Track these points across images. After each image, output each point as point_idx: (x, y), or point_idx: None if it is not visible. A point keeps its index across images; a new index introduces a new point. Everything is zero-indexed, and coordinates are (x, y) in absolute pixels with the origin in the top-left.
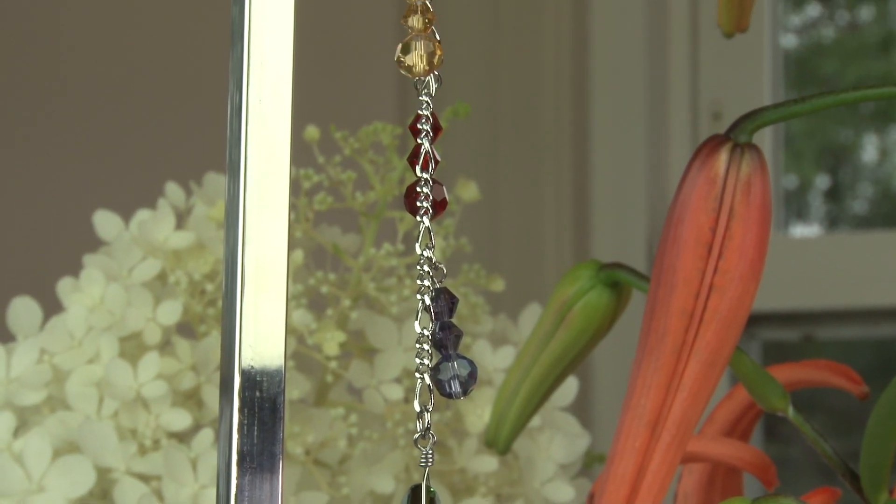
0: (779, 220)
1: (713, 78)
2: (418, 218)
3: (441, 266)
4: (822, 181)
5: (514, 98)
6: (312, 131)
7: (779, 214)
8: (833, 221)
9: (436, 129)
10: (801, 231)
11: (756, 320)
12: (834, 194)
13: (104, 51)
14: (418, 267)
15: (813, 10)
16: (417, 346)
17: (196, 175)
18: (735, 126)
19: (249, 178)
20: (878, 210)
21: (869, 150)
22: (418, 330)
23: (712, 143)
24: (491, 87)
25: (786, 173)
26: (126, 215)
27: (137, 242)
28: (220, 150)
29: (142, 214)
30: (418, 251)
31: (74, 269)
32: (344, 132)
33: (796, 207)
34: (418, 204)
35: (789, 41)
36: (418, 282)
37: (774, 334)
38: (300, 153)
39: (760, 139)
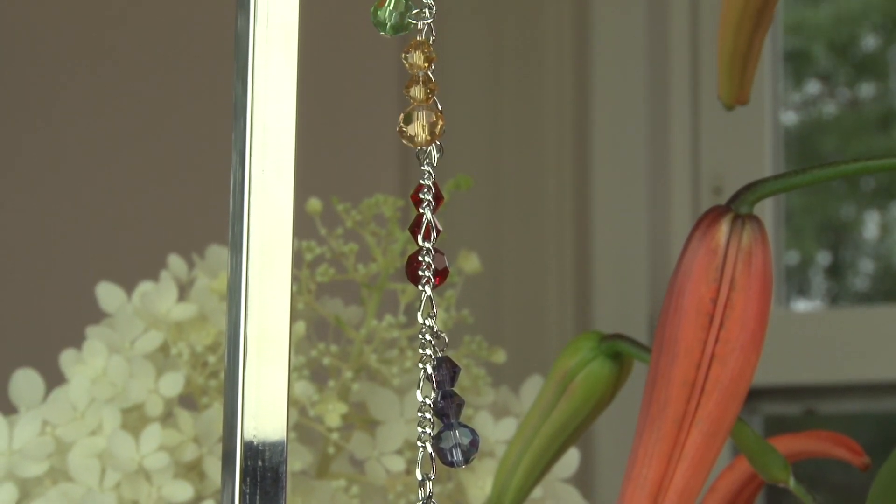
0: (780, 297)
1: (714, 152)
2: (420, 287)
3: (443, 335)
4: (823, 257)
5: (517, 169)
6: (315, 203)
7: (780, 290)
8: (834, 298)
9: (437, 198)
10: (802, 306)
11: (758, 394)
12: (835, 271)
13: (107, 122)
14: (420, 336)
15: (813, 88)
16: (419, 414)
17: (198, 247)
18: (736, 197)
19: (252, 250)
20: (880, 287)
21: (870, 227)
22: (420, 399)
23: (713, 214)
24: (493, 158)
25: (787, 249)
26: (129, 287)
27: (140, 314)
28: (223, 223)
29: (144, 286)
30: (420, 320)
31: (77, 341)
32: (346, 204)
33: (798, 284)
34: (420, 273)
35: (790, 118)
36: (420, 351)
37: (776, 408)
38: (302, 225)
39: (761, 214)
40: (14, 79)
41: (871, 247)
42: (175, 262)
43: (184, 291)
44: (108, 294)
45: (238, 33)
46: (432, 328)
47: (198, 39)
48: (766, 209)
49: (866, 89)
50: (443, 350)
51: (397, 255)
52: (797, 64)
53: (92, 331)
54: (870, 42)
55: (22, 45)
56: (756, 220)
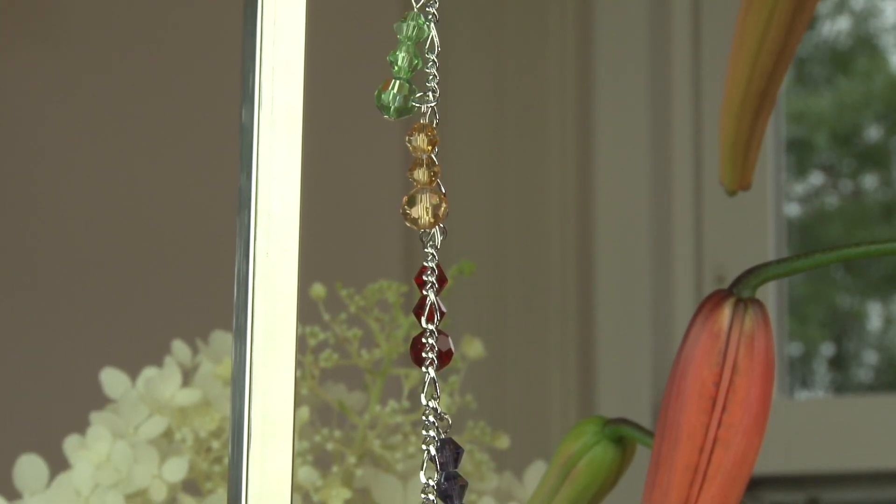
0: (784, 387)
1: (717, 242)
2: (424, 369)
3: (446, 416)
4: (827, 349)
5: (520, 254)
6: (318, 289)
7: (783, 381)
8: (838, 389)
9: (441, 280)
10: (806, 397)
11: (761, 483)
12: (839, 362)
13: (110, 207)
14: (423, 417)
15: (816, 179)
16: (423, 496)
17: (202, 333)
18: (738, 281)
19: (256, 335)
20: (884, 378)
21: (874, 318)
22: (424, 480)
23: (716, 298)
24: (496, 242)
25: (790, 341)
26: (133, 373)
27: (144, 400)
28: (227, 308)
29: (148, 372)
30: (424, 402)
31: (81, 427)
32: (350, 290)
33: (801, 375)
34: (424, 355)
35: (793, 209)
36: (423, 432)
37: (779, 497)
38: (306, 311)
39: (764, 302)
40: (19, 160)
41: (874, 338)
42: (179, 347)
43: (188, 377)
44: (112, 379)
45: (243, 125)
46: (436, 409)
47: (200, 127)
48: (770, 298)
49: (869, 180)
50: (446, 432)
51: (401, 340)
52: (800, 153)
53: (96, 416)
54: (872, 132)
55: (20, 126)
56: (758, 304)
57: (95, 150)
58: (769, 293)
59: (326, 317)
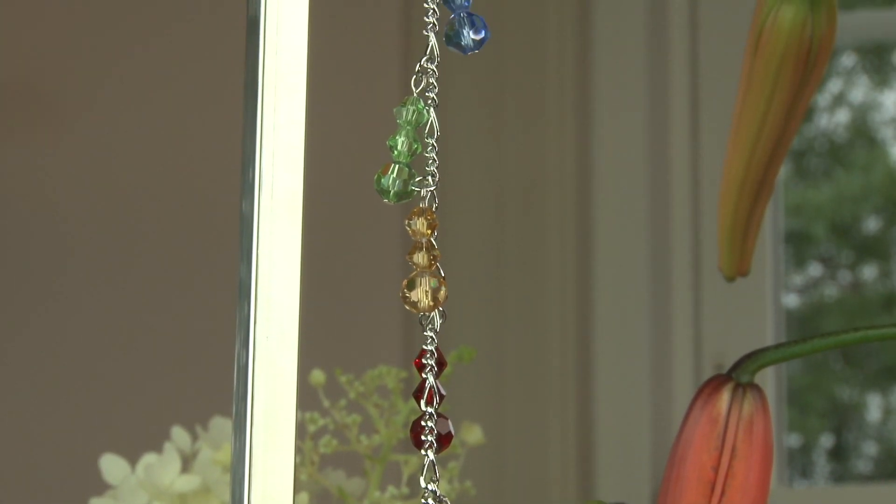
0: (783, 478)
1: (716, 330)
2: (423, 452)
3: (445, 499)
4: (826, 440)
5: (520, 340)
6: (318, 375)
7: (783, 472)
8: (838, 480)
9: (440, 364)
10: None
11: None
12: (838, 453)
13: (113, 295)
14: (422, 501)
15: (815, 270)
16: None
17: (202, 419)
18: (737, 366)
19: (255, 421)
20: (883, 469)
21: (873, 410)
22: None
23: (714, 383)
24: (495, 327)
25: (790, 431)
26: (132, 459)
27: (144, 486)
28: (226, 394)
29: (148, 458)
30: (423, 485)
31: None
32: (349, 376)
33: (801, 465)
34: (423, 438)
35: (791, 300)
36: None
37: None
38: (306, 396)
39: (763, 390)
40: (21, 256)
41: (874, 429)
42: (178, 433)
43: (187, 463)
44: (111, 465)
45: (243, 215)
46: (435, 493)
47: (200, 222)
48: (769, 388)
49: (868, 271)
50: None
51: (400, 426)
52: (798, 245)
53: (96, 502)
54: (871, 224)
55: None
56: (757, 388)
57: (101, 237)
58: (768, 383)
59: (326, 403)
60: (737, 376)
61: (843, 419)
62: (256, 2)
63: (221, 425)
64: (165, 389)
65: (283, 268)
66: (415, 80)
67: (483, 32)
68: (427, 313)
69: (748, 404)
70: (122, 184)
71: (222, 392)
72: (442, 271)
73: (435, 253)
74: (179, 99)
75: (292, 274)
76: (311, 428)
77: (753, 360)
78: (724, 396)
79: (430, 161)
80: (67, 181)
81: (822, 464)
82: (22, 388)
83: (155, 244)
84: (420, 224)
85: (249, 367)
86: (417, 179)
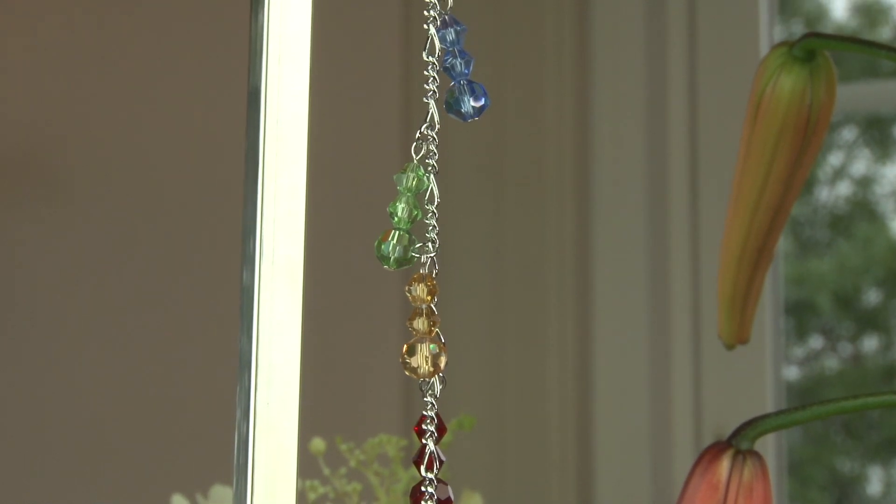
0: None
1: (716, 400)
2: None
3: None
4: None
5: (520, 408)
6: (318, 443)
7: None
8: None
9: (440, 430)
10: None
11: None
12: None
13: (111, 363)
14: None
15: (816, 342)
16: None
17: (202, 487)
18: (737, 433)
19: (256, 491)
20: None
21: (874, 483)
22: None
23: (714, 450)
24: (496, 395)
25: (791, 503)
26: None
27: None
28: (226, 461)
29: None
30: None
31: None
32: (350, 444)
33: None
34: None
35: (792, 372)
36: None
37: None
38: (306, 465)
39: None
40: (22, 324)
41: (875, 503)
42: (179, 502)
43: None
44: None
45: (244, 286)
46: None
47: (200, 283)
48: (770, 459)
49: (868, 343)
50: None
51: (400, 494)
52: (800, 316)
53: None
54: (872, 296)
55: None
56: (757, 455)
57: (102, 307)
58: (769, 453)
59: (326, 471)
60: (737, 443)
61: (844, 492)
62: (258, 72)
63: (222, 494)
64: (166, 457)
65: (283, 336)
66: (415, 146)
67: (483, 100)
68: (427, 379)
69: (748, 471)
70: (123, 252)
71: (223, 460)
72: (442, 337)
73: (435, 319)
74: (180, 168)
75: (293, 342)
76: (312, 496)
77: (754, 426)
78: (725, 463)
79: (431, 227)
80: (69, 250)
81: None
82: (24, 456)
83: (157, 314)
84: (420, 290)
85: (250, 437)
86: (417, 246)
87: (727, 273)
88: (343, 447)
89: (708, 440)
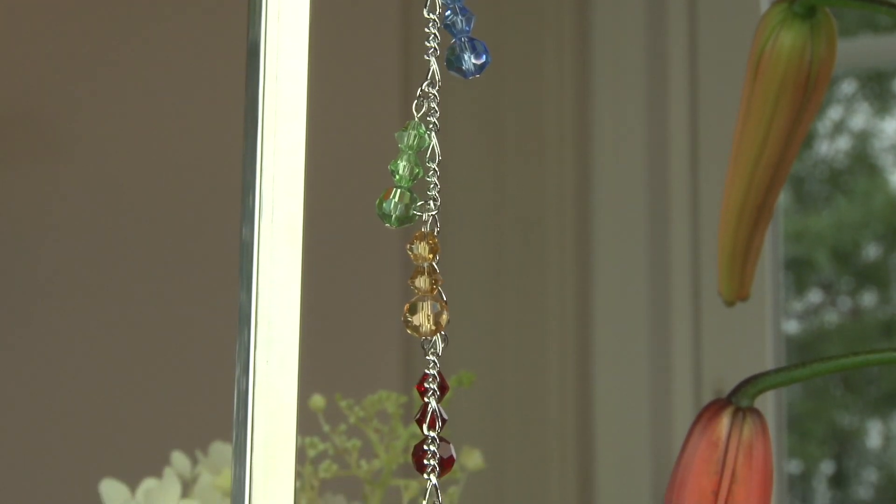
0: None
1: (715, 356)
2: (425, 476)
3: None
4: (827, 466)
5: (519, 365)
6: (318, 400)
7: (783, 499)
8: None
9: (442, 388)
10: None
11: None
12: (839, 480)
13: (110, 319)
14: None
15: (815, 297)
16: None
17: (202, 444)
18: (736, 390)
19: (255, 446)
20: (884, 496)
21: (873, 436)
22: None
23: (714, 407)
24: (495, 352)
25: (790, 458)
26: (132, 484)
27: None
28: (226, 419)
29: (148, 483)
30: None
31: None
32: (349, 401)
33: (801, 492)
34: (425, 462)
35: (792, 326)
36: None
37: None
38: (306, 422)
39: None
40: (23, 280)
41: (874, 456)
42: (178, 458)
43: (187, 488)
44: (111, 491)
45: (243, 241)
46: None
47: (200, 241)
48: (769, 415)
49: (868, 298)
50: None
51: (400, 451)
52: (799, 272)
53: None
54: (871, 251)
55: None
56: (757, 413)
57: (99, 263)
58: (768, 408)
59: (326, 427)
60: (736, 401)
61: (844, 446)
62: (257, 27)
63: (221, 450)
64: (166, 414)
65: (283, 293)
66: (416, 104)
67: (484, 57)
68: (429, 337)
69: (748, 428)
70: (123, 210)
71: (222, 417)
72: (444, 295)
73: (437, 277)
74: (179, 124)
75: (293, 299)
76: (311, 453)
77: (753, 384)
78: (724, 421)
79: (432, 185)
80: (68, 210)
81: (822, 490)
82: (22, 413)
83: (156, 270)
84: (422, 248)
85: (249, 393)
86: (419, 204)
87: (727, 230)
88: (343, 404)
89: (708, 397)
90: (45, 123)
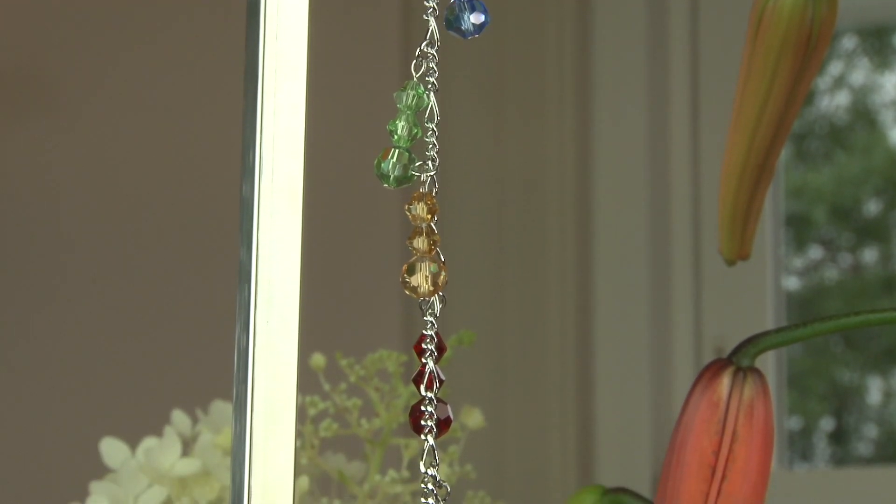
0: (783, 461)
1: (716, 313)
2: (423, 437)
3: (445, 484)
4: (826, 423)
5: (520, 324)
6: (318, 359)
7: (783, 455)
8: (838, 463)
9: (440, 349)
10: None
11: None
12: (839, 436)
13: (112, 279)
14: (422, 485)
15: (815, 253)
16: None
17: (202, 403)
18: (737, 350)
19: (256, 405)
20: (883, 452)
21: (873, 392)
22: None
23: (715, 368)
24: (495, 311)
25: (790, 414)
26: (132, 442)
27: (144, 469)
28: (227, 378)
29: (148, 442)
30: (423, 470)
31: (81, 496)
32: (350, 359)
33: (801, 448)
34: (423, 423)
35: (792, 283)
36: (422, 500)
37: None
38: (306, 380)
39: (763, 374)
40: (22, 243)
41: (874, 412)
42: (179, 417)
43: (188, 447)
44: (111, 449)
45: (243, 198)
46: (435, 478)
47: (201, 198)
48: (770, 371)
49: (868, 254)
50: (445, 500)
51: (400, 410)
52: (799, 228)
53: (96, 486)
54: (872, 206)
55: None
56: (757, 372)
57: (101, 220)
58: (768, 366)
59: (326, 386)
60: (737, 360)
61: (844, 402)
62: None
63: (222, 409)
64: (166, 373)
65: (283, 252)
66: (415, 64)
67: (483, 16)
68: (427, 298)
69: (749, 388)
70: (123, 168)
71: (223, 376)
72: (442, 256)
73: (435, 238)
74: (180, 83)
75: (292, 258)
76: (312, 412)
77: (754, 344)
78: (725, 381)
79: (430, 146)
80: (68, 166)
81: (822, 447)
82: (23, 373)
83: (156, 228)
84: (420, 209)
85: (250, 351)
86: (417, 164)
87: (728, 190)
88: (343, 363)
89: (709, 355)
90: (41, 79)
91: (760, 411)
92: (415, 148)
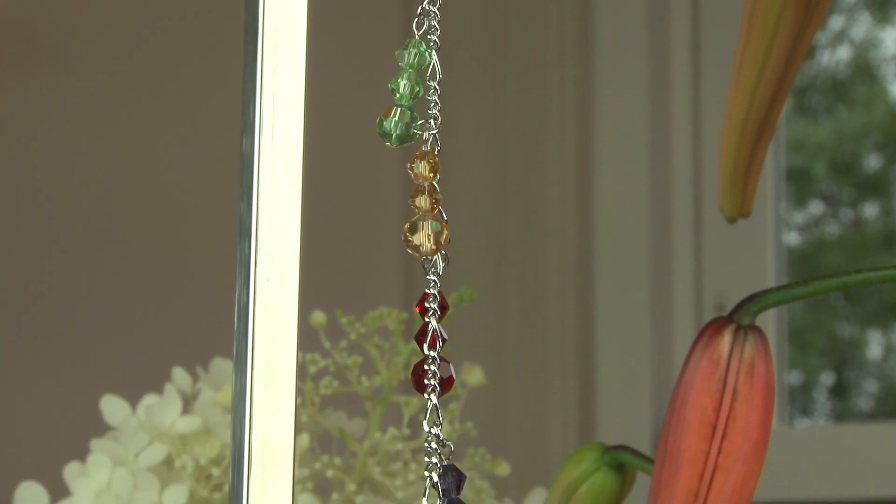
0: (783, 416)
1: (717, 270)
2: (426, 396)
3: (448, 443)
4: (827, 378)
5: (520, 282)
6: (319, 316)
7: (783, 411)
8: (838, 418)
9: (443, 308)
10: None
11: None
12: (839, 391)
13: (112, 236)
14: (426, 444)
15: (816, 208)
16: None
17: (203, 360)
18: (738, 308)
19: (256, 363)
20: (884, 407)
21: (874, 347)
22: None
23: (715, 325)
24: (496, 269)
25: (790, 370)
26: (133, 400)
27: (144, 427)
28: (227, 335)
29: (148, 399)
30: (426, 429)
31: (81, 454)
32: (350, 317)
33: (801, 404)
34: (426, 382)
35: (792, 238)
36: (426, 459)
37: None
38: (306, 338)
39: (765, 331)
40: (19, 181)
41: (875, 366)
42: (179, 374)
43: (188, 404)
44: (112, 406)
45: (243, 153)
46: (438, 436)
47: (201, 155)
48: (770, 327)
49: (869, 209)
50: (448, 458)
51: (401, 367)
52: (799, 183)
53: (96, 444)
54: (872, 161)
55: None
56: (758, 331)
57: (100, 176)
58: (769, 321)
59: (327, 344)
60: (738, 319)
61: (844, 357)
62: None
63: (222, 366)
64: (166, 330)
65: (283, 208)
66: (416, 22)
67: None
68: (429, 257)
69: (749, 347)
70: (120, 125)
71: (223, 333)
72: (444, 215)
73: (437, 196)
74: (179, 39)
75: (293, 215)
76: (312, 369)
77: (755, 302)
78: (726, 339)
79: (433, 104)
80: (62, 123)
81: (822, 402)
82: (22, 330)
83: (156, 184)
84: (422, 167)
85: (250, 308)
86: (419, 122)
87: (729, 147)
88: (343, 320)
89: (709, 312)
90: (41, 31)
91: (761, 370)
92: (417, 106)
